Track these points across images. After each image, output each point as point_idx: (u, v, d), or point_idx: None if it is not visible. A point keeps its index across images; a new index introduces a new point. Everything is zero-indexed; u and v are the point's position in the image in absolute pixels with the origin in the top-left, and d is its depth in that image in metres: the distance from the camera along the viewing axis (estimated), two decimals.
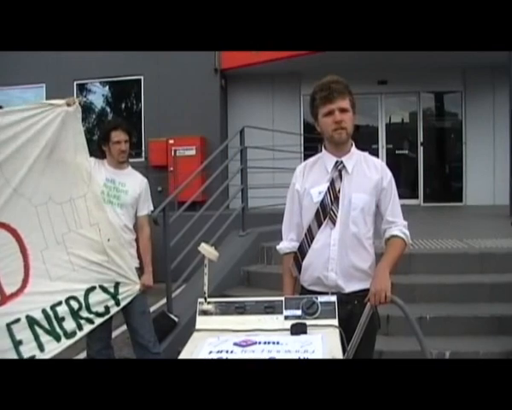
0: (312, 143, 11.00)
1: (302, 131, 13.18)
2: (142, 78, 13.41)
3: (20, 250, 3.66)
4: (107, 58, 11.59)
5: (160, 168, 12.59)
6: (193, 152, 12.33)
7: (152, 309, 7.31)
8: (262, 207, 8.97)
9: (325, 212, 3.00)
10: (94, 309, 3.88)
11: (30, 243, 3.69)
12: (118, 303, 4.03)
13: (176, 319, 5.54)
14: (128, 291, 4.08)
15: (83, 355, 5.41)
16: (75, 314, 3.79)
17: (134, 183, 4.42)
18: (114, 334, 4.57)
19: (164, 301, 6.18)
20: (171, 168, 12.37)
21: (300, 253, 3.11)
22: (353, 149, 3.12)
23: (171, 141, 12.51)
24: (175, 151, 12.38)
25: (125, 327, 5.63)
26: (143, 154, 13.24)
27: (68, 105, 3.76)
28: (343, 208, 3.00)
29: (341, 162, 3.05)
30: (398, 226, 3.04)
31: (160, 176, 12.47)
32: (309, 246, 3.06)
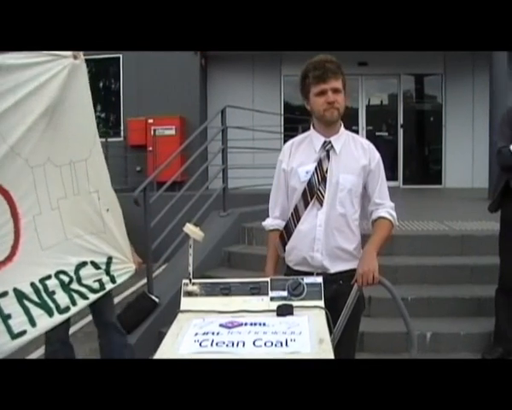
0: (292, 124, 10.98)
1: (282, 112, 13.14)
2: (120, 56, 13.25)
3: (11, 214, 3.35)
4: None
5: (139, 148, 12.51)
6: (172, 132, 12.30)
7: (132, 290, 7.33)
8: (243, 187, 8.92)
9: (312, 192, 2.97)
10: (85, 282, 3.63)
11: (22, 207, 3.37)
12: (113, 280, 3.79)
13: (157, 299, 5.48)
14: (123, 269, 3.84)
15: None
16: (66, 287, 3.54)
17: None
18: (73, 329, 4.29)
19: (143, 281, 6.13)
20: (151, 148, 12.24)
21: (286, 232, 3.08)
22: (342, 129, 3.09)
23: (150, 120, 12.44)
24: (154, 131, 12.25)
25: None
26: (122, 133, 13.13)
27: (75, 58, 3.45)
28: (330, 189, 2.97)
29: (329, 142, 3.02)
30: (386, 208, 3.02)
31: (138, 155, 12.39)
32: (295, 226, 3.03)
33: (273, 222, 3.19)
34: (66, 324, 3.90)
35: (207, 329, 2.23)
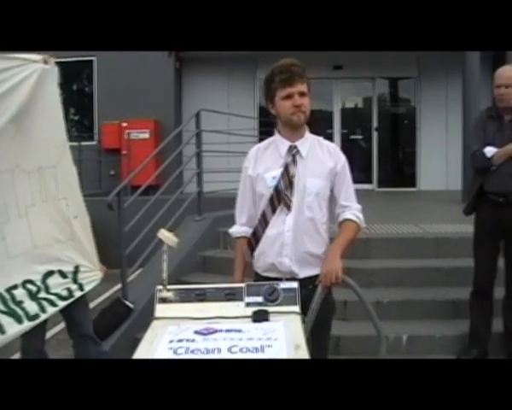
0: (267, 128, 10.96)
1: (257, 116, 13.13)
2: (94, 59, 13.16)
3: None
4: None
5: (113, 152, 12.42)
6: (147, 135, 12.26)
7: (106, 296, 7.22)
8: (218, 191, 8.87)
9: (279, 197, 2.95)
10: (54, 291, 3.55)
11: None
12: (81, 288, 3.70)
13: (131, 305, 5.42)
14: (91, 277, 3.76)
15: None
16: (34, 296, 3.47)
17: None
18: (46, 337, 4.12)
19: (118, 287, 6.06)
20: (125, 152, 12.18)
21: (254, 238, 3.05)
22: (307, 133, 3.07)
23: (124, 124, 12.38)
24: (128, 134, 12.23)
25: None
26: (96, 137, 13.02)
27: (45, 62, 3.41)
28: (298, 194, 2.95)
29: (295, 147, 3.00)
30: (352, 210, 3.01)
31: (112, 159, 12.30)
32: (263, 232, 3.00)
33: (240, 229, 3.16)
34: (42, 333, 3.79)
35: (182, 336, 2.19)
